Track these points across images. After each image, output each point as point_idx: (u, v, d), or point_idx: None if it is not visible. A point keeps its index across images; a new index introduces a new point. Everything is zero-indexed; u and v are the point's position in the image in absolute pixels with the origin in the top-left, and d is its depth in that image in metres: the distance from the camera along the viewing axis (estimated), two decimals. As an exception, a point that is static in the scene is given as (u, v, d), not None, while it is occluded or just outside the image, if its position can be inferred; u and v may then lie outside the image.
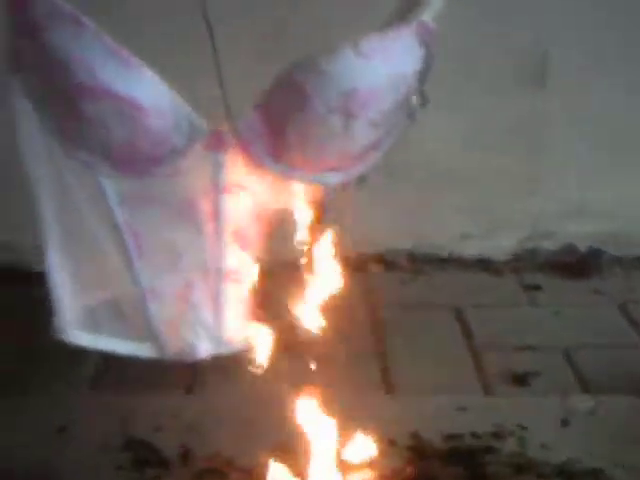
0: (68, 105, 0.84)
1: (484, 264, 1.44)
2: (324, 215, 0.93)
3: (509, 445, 0.94)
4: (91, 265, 0.96)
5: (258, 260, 0.98)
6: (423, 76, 0.87)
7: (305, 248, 0.91)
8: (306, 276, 0.89)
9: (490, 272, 1.42)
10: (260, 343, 0.91)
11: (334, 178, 0.90)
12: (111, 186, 0.91)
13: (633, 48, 1.37)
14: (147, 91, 0.82)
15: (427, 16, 0.84)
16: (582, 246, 1.45)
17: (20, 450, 0.93)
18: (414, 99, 0.88)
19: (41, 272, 1.33)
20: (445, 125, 1.36)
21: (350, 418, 0.90)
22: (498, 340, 1.18)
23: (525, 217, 1.45)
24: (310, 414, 0.87)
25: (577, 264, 1.43)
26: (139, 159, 0.87)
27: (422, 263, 1.45)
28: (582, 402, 0.98)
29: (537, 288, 1.35)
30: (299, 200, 0.91)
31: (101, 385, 1.10)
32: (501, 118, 1.38)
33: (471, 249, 1.46)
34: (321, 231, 0.92)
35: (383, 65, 0.82)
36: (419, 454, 0.92)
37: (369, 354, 1.15)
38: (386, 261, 1.45)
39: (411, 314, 1.26)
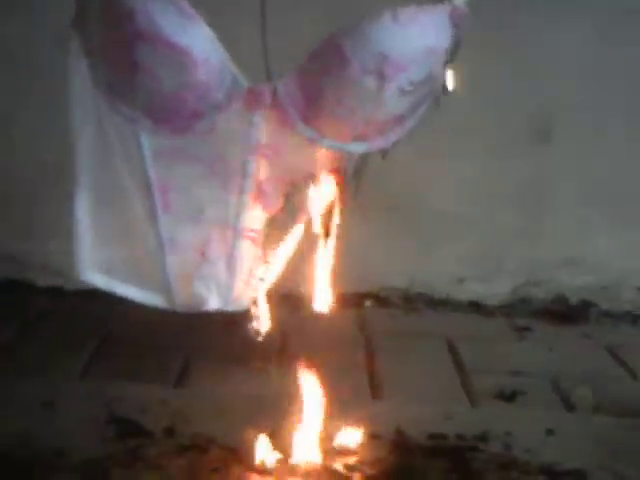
0: (124, 54, 0.89)
1: (477, 307, 1.46)
2: (345, 185, 1.00)
3: (494, 447, 0.94)
4: (115, 214, 1.00)
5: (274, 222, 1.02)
6: (451, 57, 0.94)
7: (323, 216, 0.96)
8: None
9: (482, 314, 1.44)
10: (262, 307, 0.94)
11: (359, 147, 0.97)
12: (148, 141, 0.96)
13: (632, 114, 1.43)
14: (199, 42, 0.89)
15: (459, 1, 0.93)
16: (573, 297, 1.48)
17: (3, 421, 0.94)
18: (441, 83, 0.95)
19: (45, 287, 1.40)
20: (448, 173, 1.43)
21: (336, 415, 0.92)
22: (487, 366, 1.19)
23: (520, 265, 1.48)
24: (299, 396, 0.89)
25: (567, 313, 1.45)
26: (181, 113, 0.92)
27: (416, 302, 1.47)
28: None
29: (527, 329, 1.37)
30: (323, 167, 0.98)
31: (92, 372, 1.11)
32: (502, 171, 1.43)
33: (465, 293, 1.49)
34: (342, 200, 0.97)
35: (417, 34, 0.90)
36: (403, 448, 0.92)
37: (358, 367, 1.16)
38: (380, 298, 1.48)
39: (402, 341, 1.27)
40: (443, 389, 1.11)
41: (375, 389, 1.10)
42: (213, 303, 1.02)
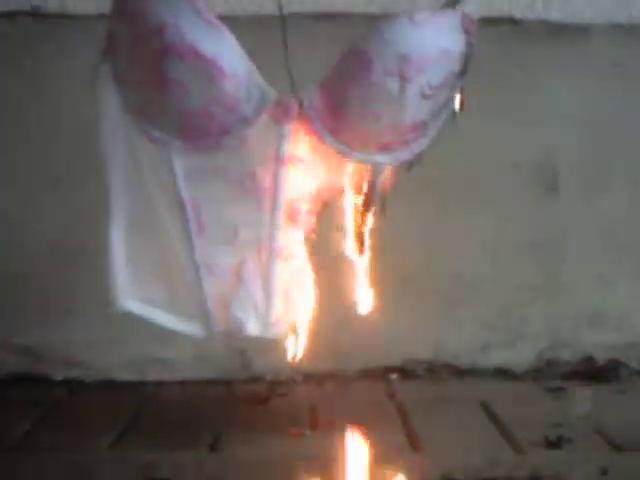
0: (153, 71, 0.90)
1: (504, 373, 1.43)
2: (372, 196, 1.00)
3: (547, 486, 0.91)
4: (150, 241, 0.99)
5: (308, 239, 1.01)
6: (465, 64, 0.96)
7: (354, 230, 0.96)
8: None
9: (510, 379, 1.41)
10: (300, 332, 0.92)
11: (385, 158, 0.97)
12: (179, 163, 0.96)
13: (635, 162, 1.43)
14: (227, 54, 0.90)
15: (469, 8, 0.96)
16: (600, 357, 1.45)
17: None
18: (456, 98, 0.98)
19: (63, 379, 1.37)
20: (463, 236, 1.41)
21: (376, 468, 0.91)
22: (526, 421, 1.15)
23: (543, 326, 1.45)
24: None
25: (597, 374, 1.42)
26: (211, 129, 0.92)
27: (442, 372, 1.44)
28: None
29: (561, 389, 1.34)
30: (351, 180, 0.99)
31: (122, 446, 1.07)
32: (517, 230, 1.43)
33: (491, 359, 1.45)
34: (368, 212, 0.97)
35: (432, 36, 0.93)
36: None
37: (394, 429, 1.12)
38: (405, 371, 1.45)
39: (434, 406, 1.24)
40: (484, 440, 1.07)
41: (415, 445, 1.06)
42: (251, 328, 1.01)
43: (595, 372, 1.42)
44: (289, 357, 1.05)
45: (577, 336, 1.46)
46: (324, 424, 1.13)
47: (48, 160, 1.32)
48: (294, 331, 1.04)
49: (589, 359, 1.47)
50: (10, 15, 1.31)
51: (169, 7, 0.89)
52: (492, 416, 1.18)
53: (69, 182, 1.31)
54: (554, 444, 1.05)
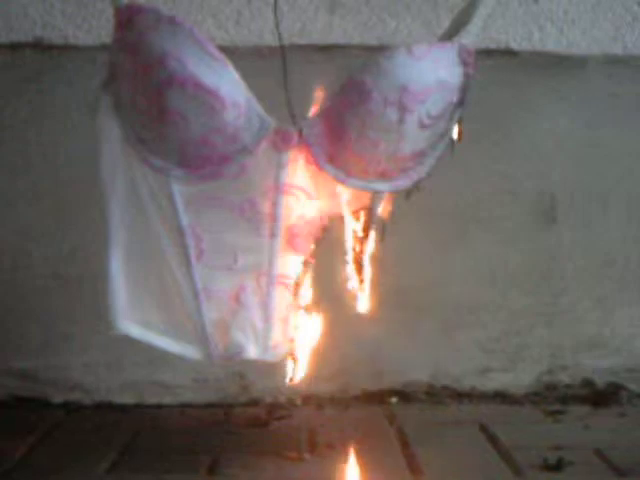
0: (154, 101, 0.91)
1: (503, 397, 1.42)
2: (371, 223, 1.02)
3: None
4: (149, 266, 1.00)
5: (307, 265, 1.02)
6: (463, 94, 0.98)
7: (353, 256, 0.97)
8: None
9: (510, 403, 1.40)
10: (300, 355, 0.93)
11: (383, 186, 0.98)
12: (179, 190, 0.97)
13: (631, 191, 1.44)
14: (228, 84, 0.91)
15: (466, 40, 0.98)
16: (600, 381, 1.44)
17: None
18: (455, 129, 0.99)
19: (61, 402, 1.37)
20: (463, 263, 1.42)
21: None
22: (525, 443, 1.15)
23: (543, 350, 1.45)
24: None
25: (597, 398, 1.41)
26: (211, 158, 0.93)
27: (441, 396, 1.44)
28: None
29: (560, 412, 1.34)
30: (349, 207, 1.00)
31: (119, 469, 1.06)
32: (516, 256, 1.43)
33: (491, 382, 1.45)
34: (367, 238, 0.98)
35: (430, 67, 0.94)
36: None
37: (393, 453, 1.12)
38: (405, 394, 1.45)
39: (434, 429, 1.24)
40: (484, 464, 1.07)
41: (414, 469, 1.06)
42: (251, 352, 1.01)
43: (595, 396, 1.42)
44: (288, 380, 1.06)
45: (577, 360, 1.46)
46: (323, 448, 1.12)
47: (49, 188, 1.33)
48: (293, 355, 1.04)
49: (589, 383, 1.47)
50: (13, 46, 1.32)
51: (171, 39, 0.90)
52: (492, 439, 1.17)
53: (70, 209, 1.32)
54: (554, 467, 1.04)
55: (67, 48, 1.33)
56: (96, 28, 1.33)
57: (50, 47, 1.33)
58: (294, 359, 1.04)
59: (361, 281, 1.03)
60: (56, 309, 1.34)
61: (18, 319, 1.35)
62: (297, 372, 1.04)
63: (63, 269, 1.33)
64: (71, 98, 1.32)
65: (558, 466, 1.04)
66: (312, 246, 1.02)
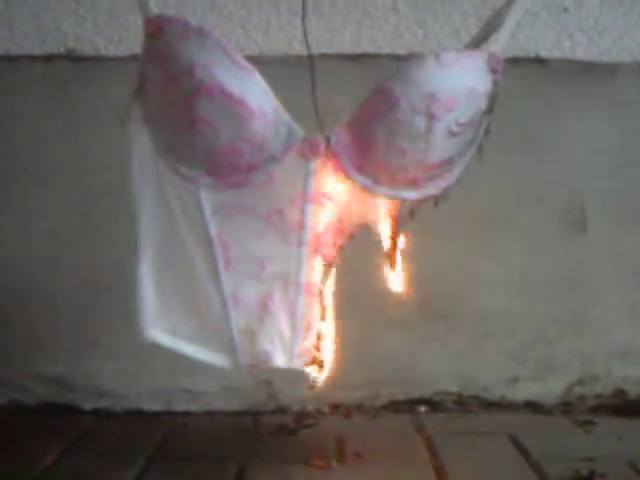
0: (183, 110, 0.92)
1: (533, 406, 1.42)
2: (399, 230, 1.02)
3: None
4: (178, 274, 1.00)
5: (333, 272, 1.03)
6: (491, 102, 0.97)
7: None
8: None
9: (540, 413, 1.40)
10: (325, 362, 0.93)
11: (412, 194, 0.98)
12: (207, 198, 0.97)
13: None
14: (256, 94, 0.92)
15: (495, 47, 0.97)
16: (632, 390, 1.43)
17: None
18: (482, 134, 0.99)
19: (92, 409, 1.38)
20: (493, 272, 1.41)
21: None
22: (556, 455, 1.14)
23: (573, 360, 1.44)
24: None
25: (628, 408, 1.40)
26: (239, 167, 0.94)
27: (470, 405, 1.44)
28: None
29: (591, 423, 1.33)
30: (378, 215, 1.00)
31: (149, 472, 1.08)
32: (545, 264, 1.42)
33: (520, 392, 1.44)
34: (396, 245, 0.98)
35: (459, 75, 0.93)
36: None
37: (421, 463, 1.12)
38: (433, 403, 1.44)
39: (462, 439, 1.23)
40: (513, 475, 1.06)
41: (443, 479, 1.06)
42: (278, 360, 1.02)
43: (627, 406, 1.41)
44: (309, 387, 1.06)
45: (607, 369, 1.44)
46: (351, 456, 1.12)
47: (80, 197, 1.35)
48: (317, 361, 1.04)
49: (620, 392, 1.46)
50: (45, 58, 1.35)
51: (200, 49, 0.91)
52: (522, 450, 1.17)
53: (100, 217, 1.34)
54: (586, 479, 1.04)
55: (98, 59, 1.35)
56: (126, 39, 1.35)
57: (81, 59, 1.35)
58: (319, 366, 1.04)
59: (395, 287, 1.04)
60: (86, 316, 1.36)
61: (49, 326, 1.36)
62: (320, 379, 1.04)
63: (93, 277, 1.34)
64: (102, 108, 1.34)
65: (590, 478, 1.03)
66: (339, 253, 1.02)
